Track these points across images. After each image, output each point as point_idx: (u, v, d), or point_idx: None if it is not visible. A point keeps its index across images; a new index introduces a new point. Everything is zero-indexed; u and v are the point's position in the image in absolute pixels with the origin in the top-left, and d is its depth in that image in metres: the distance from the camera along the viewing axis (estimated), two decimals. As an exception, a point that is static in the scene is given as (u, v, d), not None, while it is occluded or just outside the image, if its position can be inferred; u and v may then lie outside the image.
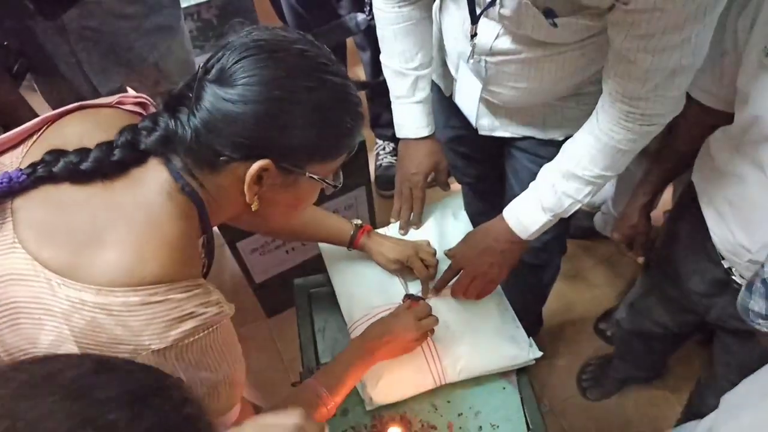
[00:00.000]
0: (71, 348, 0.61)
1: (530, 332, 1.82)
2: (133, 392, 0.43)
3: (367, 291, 1.15)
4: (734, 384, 1.27)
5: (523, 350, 1.07)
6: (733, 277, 1.07)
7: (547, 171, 1.04)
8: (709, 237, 1.08)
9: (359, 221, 1.16)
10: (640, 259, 1.41)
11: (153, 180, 0.69)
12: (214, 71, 0.68)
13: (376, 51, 1.99)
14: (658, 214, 1.64)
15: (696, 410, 1.46)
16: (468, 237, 1.15)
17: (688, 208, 1.14)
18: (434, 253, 1.16)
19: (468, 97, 1.15)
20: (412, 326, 1.00)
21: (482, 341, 1.06)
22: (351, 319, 1.12)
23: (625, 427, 1.79)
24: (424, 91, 1.16)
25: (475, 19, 0.97)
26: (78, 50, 1.36)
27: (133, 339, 0.61)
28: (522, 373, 1.09)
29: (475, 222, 1.45)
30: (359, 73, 2.46)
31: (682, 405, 1.64)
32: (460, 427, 1.03)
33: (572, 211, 1.04)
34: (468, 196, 1.61)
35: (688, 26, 0.76)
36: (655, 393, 1.84)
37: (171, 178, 0.69)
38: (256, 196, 0.72)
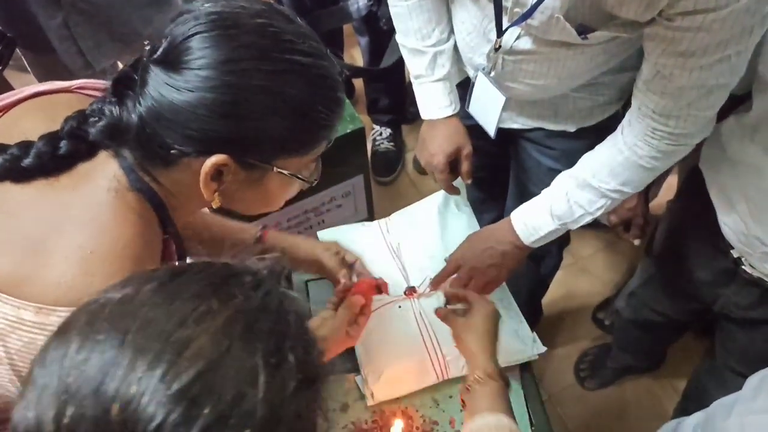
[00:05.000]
0: (3, 371, 0.56)
1: (530, 323, 1.81)
2: (213, 283, 0.45)
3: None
4: (736, 372, 1.27)
5: (527, 345, 1.05)
6: (743, 267, 1.05)
7: (563, 177, 1.01)
8: (717, 226, 1.05)
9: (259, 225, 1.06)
10: (637, 242, 1.41)
11: (101, 176, 0.62)
12: (160, 51, 0.59)
13: (373, 37, 1.97)
14: (660, 203, 1.63)
15: (696, 399, 1.46)
16: (470, 237, 1.11)
17: (694, 196, 1.12)
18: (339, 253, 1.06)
19: (488, 109, 1.11)
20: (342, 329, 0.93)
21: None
22: (351, 313, 1.09)
23: (622, 416, 1.79)
24: (444, 68, 1.09)
25: (501, 33, 0.94)
26: (72, 25, 1.32)
27: None
28: (525, 368, 1.07)
29: (473, 210, 1.42)
30: (356, 55, 2.42)
31: (679, 395, 1.64)
32: (462, 423, 1.01)
33: (582, 223, 1.01)
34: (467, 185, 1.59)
35: (731, 46, 0.73)
36: (652, 383, 1.84)
37: (121, 174, 0.62)
38: (216, 193, 0.64)
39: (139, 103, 0.59)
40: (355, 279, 1.05)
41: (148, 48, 0.61)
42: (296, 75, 0.60)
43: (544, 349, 1.06)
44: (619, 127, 0.94)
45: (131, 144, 0.62)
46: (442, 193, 1.23)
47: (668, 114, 0.84)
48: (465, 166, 1.16)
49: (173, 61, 0.58)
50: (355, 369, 1.04)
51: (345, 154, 1.53)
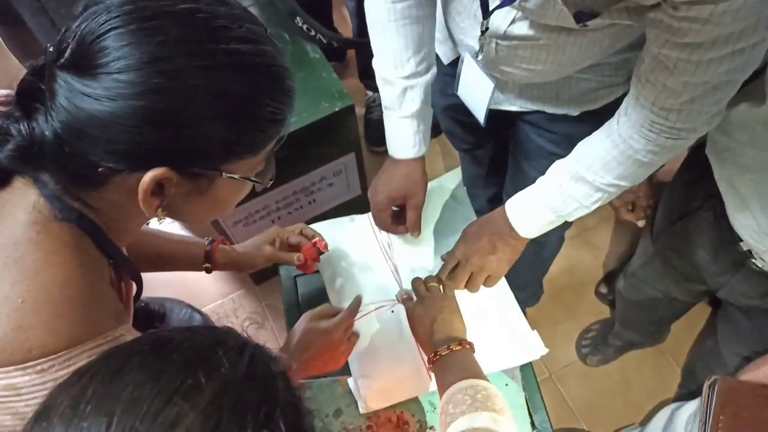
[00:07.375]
0: None
1: (531, 302, 1.75)
2: (197, 353, 0.43)
3: (359, 286, 1.06)
4: (738, 355, 1.22)
5: (528, 348, 0.99)
6: (753, 260, 0.99)
7: (556, 168, 0.92)
8: (724, 215, 0.98)
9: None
10: (641, 223, 1.34)
11: (19, 210, 0.53)
12: (68, 54, 0.50)
13: (361, 1, 1.84)
14: (671, 168, 1.54)
15: (699, 377, 1.42)
16: (466, 230, 1.04)
17: (698, 179, 1.04)
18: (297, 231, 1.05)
19: (476, 95, 1.01)
20: (340, 340, 0.90)
21: (484, 340, 0.97)
22: (342, 315, 1.03)
23: (625, 392, 1.76)
24: (413, 104, 0.98)
25: (486, 15, 0.84)
26: None
27: None
28: (526, 367, 1.02)
29: (472, 186, 1.34)
30: (346, 14, 2.28)
31: (684, 370, 1.60)
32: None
33: (578, 216, 0.93)
34: (464, 161, 1.51)
35: (743, 39, 0.63)
36: (656, 358, 1.80)
37: (43, 203, 0.54)
38: (160, 208, 0.57)
39: (52, 118, 0.50)
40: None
41: (51, 50, 0.51)
42: (236, 67, 0.52)
43: (546, 350, 1.00)
44: (615, 116, 0.84)
45: (51, 167, 0.53)
46: (437, 184, 1.15)
47: (669, 108, 0.75)
48: (411, 216, 1.06)
49: (86, 65, 0.49)
50: (347, 372, 0.99)
51: (334, 134, 1.44)
